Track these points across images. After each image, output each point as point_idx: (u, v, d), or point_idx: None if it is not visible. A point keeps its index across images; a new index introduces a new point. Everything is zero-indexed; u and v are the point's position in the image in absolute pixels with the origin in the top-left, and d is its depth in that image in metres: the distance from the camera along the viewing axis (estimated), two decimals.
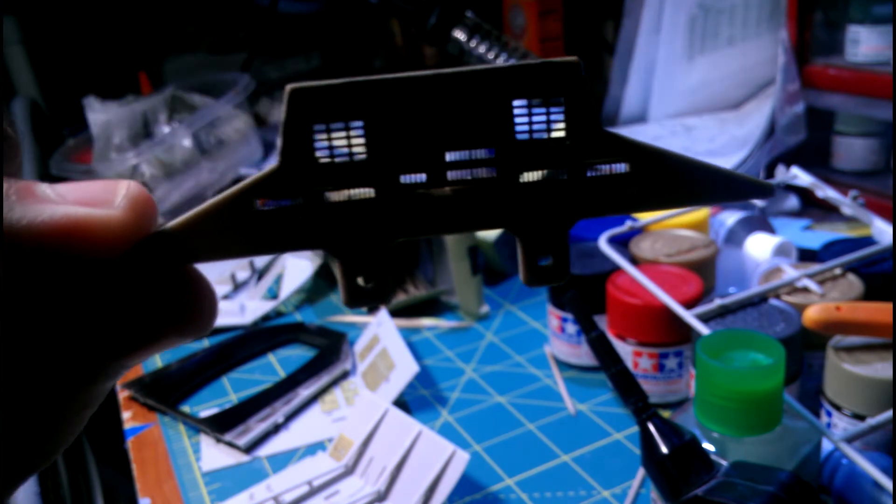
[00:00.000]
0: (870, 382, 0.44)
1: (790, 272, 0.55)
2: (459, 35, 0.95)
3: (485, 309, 0.72)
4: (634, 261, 0.61)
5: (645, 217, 0.65)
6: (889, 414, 0.43)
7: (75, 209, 0.15)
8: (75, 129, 1.07)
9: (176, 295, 0.17)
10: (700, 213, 0.66)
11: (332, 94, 0.17)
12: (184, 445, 0.58)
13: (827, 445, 0.44)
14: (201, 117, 0.97)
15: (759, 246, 0.64)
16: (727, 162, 0.88)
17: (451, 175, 0.17)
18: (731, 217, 0.70)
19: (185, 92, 1.04)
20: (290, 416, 0.59)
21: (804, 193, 0.85)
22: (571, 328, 0.61)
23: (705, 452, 0.39)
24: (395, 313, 0.71)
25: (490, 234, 0.76)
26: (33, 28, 1.22)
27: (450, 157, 0.17)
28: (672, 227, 0.65)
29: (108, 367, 0.17)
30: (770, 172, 0.86)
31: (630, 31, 1.00)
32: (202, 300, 0.17)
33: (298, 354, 0.69)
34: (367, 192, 0.17)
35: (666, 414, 0.43)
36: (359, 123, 0.17)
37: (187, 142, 0.96)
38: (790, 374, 0.48)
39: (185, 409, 0.62)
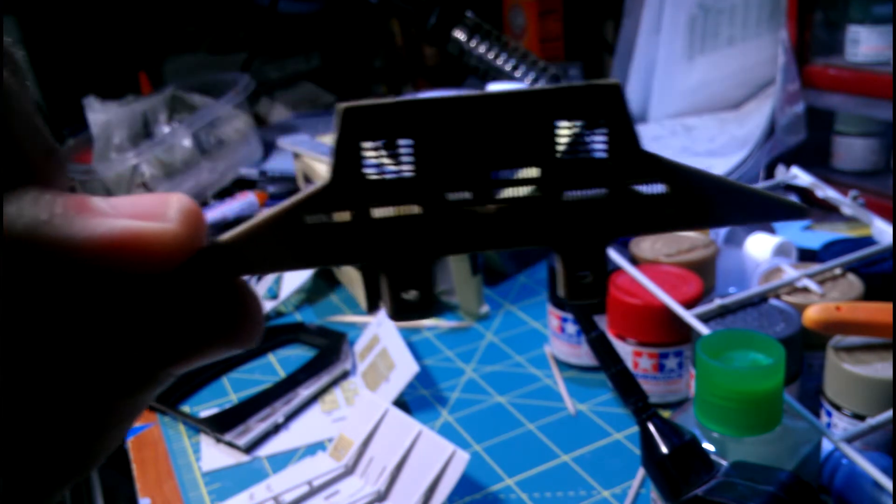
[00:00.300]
0: (870, 382, 0.44)
1: (790, 272, 0.55)
2: (459, 35, 0.95)
3: (485, 309, 0.72)
4: (634, 261, 0.61)
5: None
6: (889, 414, 0.43)
7: (132, 223, 0.16)
8: (75, 129, 1.07)
9: (226, 306, 0.17)
10: None
11: (383, 114, 0.17)
12: (184, 445, 0.58)
13: (827, 445, 0.43)
14: (201, 117, 0.97)
15: (759, 246, 0.64)
16: (727, 162, 0.88)
17: (495, 193, 0.18)
18: None
19: (185, 92, 1.04)
20: (290, 416, 0.59)
21: (804, 193, 0.85)
22: (571, 328, 0.61)
23: (705, 452, 0.39)
24: None
25: None
26: (33, 28, 1.22)
27: (494, 175, 0.18)
28: None
29: (157, 375, 0.17)
30: (770, 172, 0.87)
31: (630, 31, 1.00)
32: (250, 312, 0.18)
33: (298, 354, 0.69)
34: (413, 208, 0.18)
35: (666, 414, 0.43)
36: (408, 142, 0.17)
37: (187, 142, 0.96)
38: (790, 374, 0.48)
39: (185, 409, 0.62)
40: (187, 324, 0.17)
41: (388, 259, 0.18)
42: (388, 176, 0.17)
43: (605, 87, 0.17)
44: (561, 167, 0.18)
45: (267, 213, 0.17)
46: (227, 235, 0.17)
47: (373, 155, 0.17)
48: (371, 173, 0.17)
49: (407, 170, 0.17)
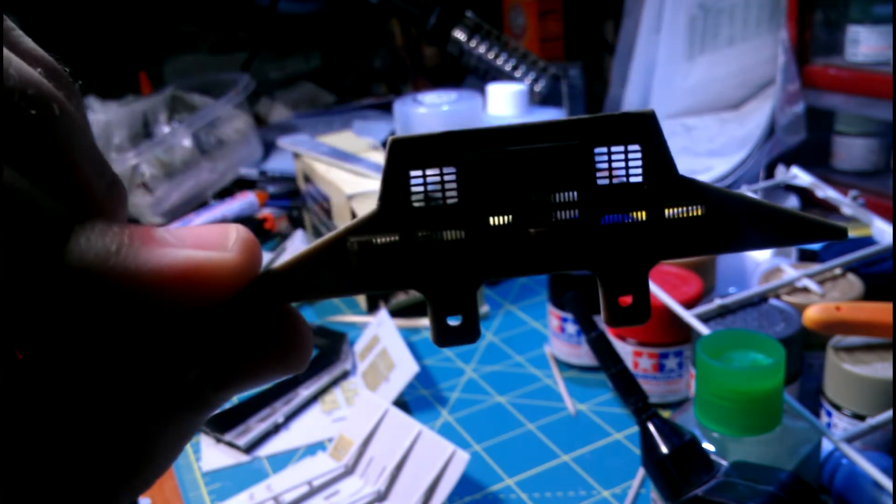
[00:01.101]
0: (870, 382, 0.44)
1: (790, 272, 0.55)
2: (459, 35, 0.95)
3: (485, 309, 0.72)
4: None
5: None
6: (889, 414, 0.43)
7: (196, 253, 0.16)
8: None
9: (277, 332, 0.18)
10: None
11: (429, 144, 0.18)
12: None
13: (827, 445, 0.43)
14: (201, 117, 0.97)
15: None
16: (727, 162, 0.88)
17: (536, 218, 0.19)
18: None
19: (185, 92, 1.04)
20: (290, 416, 0.59)
21: (804, 193, 0.85)
22: (571, 328, 0.61)
23: (705, 452, 0.39)
24: (395, 313, 0.71)
25: None
26: (33, 28, 1.22)
27: (535, 200, 0.19)
28: None
29: (211, 398, 0.18)
30: (770, 172, 0.87)
31: (630, 31, 1.00)
32: (300, 337, 0.18)
33: None
34: (457, 233, 0.18)
35: (666, 414, 0.43)
36: (451, 170, 0.18)
37: (187, 142, 0.96)
38: (790, 374, 0.48)
39: None
40: (240, 348, 0.18)
41: (433, 284, 0.19)
42: (433, 203, 0.18)
43: (641, 115, 0.18)
44: (600, 193, 0.19)
45: (317, 242, 0.18)
46: (278, 264, 0.18)
47: (419, 183, 0.18)
48: (417, 201, 0.18)
49: (451, 196, 0.18)
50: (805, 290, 0.53)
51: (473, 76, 1.04)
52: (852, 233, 0.76)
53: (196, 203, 0.96)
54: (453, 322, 0.19)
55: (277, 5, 1.28)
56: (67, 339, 0.15)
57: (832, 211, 0.79)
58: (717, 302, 0.51)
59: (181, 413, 0.17)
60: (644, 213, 0.19)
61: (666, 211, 0.19)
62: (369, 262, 0.18)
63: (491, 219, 0.18)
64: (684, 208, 0.19)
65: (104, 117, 0.97)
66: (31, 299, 0.14)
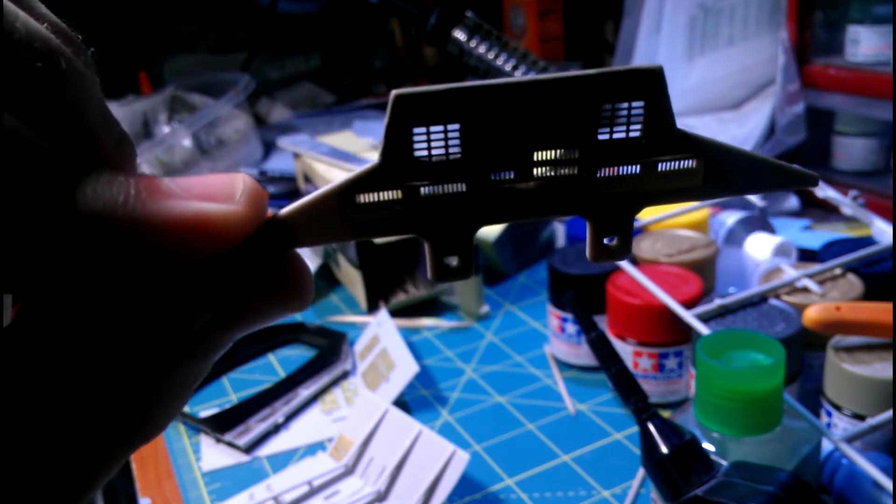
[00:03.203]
0: (870, 382, 0.44)
1: (790, 272, 0.55)
2: (459, 35, 0.95)
3: (485, 309, 0.72)
4: (634, 261, 0.61)
5: (645, 217, 0.65)
6: (889, 414, 0.43)
7: (203, 204, 0.17)
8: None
9: (281, 274, 0.19)
10: (700, 213, 0.66)
11: (433, 100, 0.18)
12: (184, 445, 0.58)
13: (827, 445, 0.44)
14: (201, 117, 0.97)
15: (759, 246, 0.64)
16: None
17: (536, 171, 0.19)
18: (731, 217, 0.70)
19: (185, 92, 1.04)
20: (290, 416, 0.59)
21: (804, 193, 0.85)
22: (571, 328, 0.61)
23: (705, 452, 0.39)
24: (395, 313, 0.71)
25: (490, 234, 0.76)
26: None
27: (537, 156, 0.19)
28: (672, 227, 0.65)
29: (216, 337, 0.18)
30: None
31: (630, 31, 1.00)
32: (302, 278, 0.19)
33: (298, 354, 0.69)
34: (459, 186, 0.19)
35: (666, 414, 0.43)
36: (455, 126, 0.18)
37: (187, 142, 0.96)
38: (790, 374, 0.48)
39: (185, 409, 0.62)
40: (246, 290, 0.18)
41: (432, 231, 0.19)
42: (436, 158, 0.18)
43: (649, 72, 0.18)
44: (599, 147, 0.19)
45: (321, 190, 0.19)
46: (284, 211, 0.19)
47: (423, 139, 0.18)
48: (420, 156, 0.18)
49: (454, 152, 0.19)
50: (805, 290, 0.53)
51: (473, 76, 1.04)
52: (852, 233, 0.76)
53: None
54: (450, 261, 0.20)
55: (277, 5, 1.28)
56: (75, 288, 0.16)
57: (832, 211, 0.79)
58: (717, 302, 0.51)
59: (188, 359, 0.18)
60: (639, 165, 0.19)
61: (659, 164, 0.19)
62: (370, 213, 0.19)
63: (492, 174, 0.19)
64: (678, 161, 0.19)
65: None
66: (36, 247, 0.15)
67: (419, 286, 0.75)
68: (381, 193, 0.18)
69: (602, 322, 0.59)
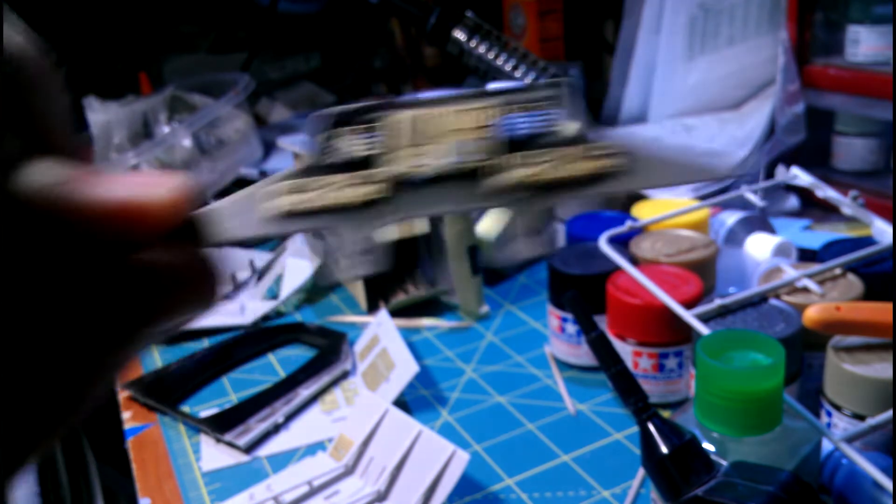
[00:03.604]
0: (870, 382, 0.44)
1: (790, 272, 0.55)
2: (459, 35, 0.95)
3: (485, 309, 0.72)
4: (634, 261, 0.61)
5: (645, 217, 0.65)
6: (889, 414, 0.43)
7: (133, 189, 0.18)
8: (75, 130, 1.07)
9: (200, 270, 0.20)
10: (700, 213, 0.66)
11: (345, 116, 0.21)
12: (184, 445, 0.58)
13: (827, 445, 0.43)
14: (201, 117, 0.97)
15: (759, 246, 0.64)
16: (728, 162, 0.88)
17: (446, 173, 0.21)
18: (731, 217, 0.70)
19: (185, 92, 1.04)
20: (290, 416, 0.59)
21: (804, 193, 0.85)
22: (571, 328, 0.61)
23: (705, 452, 0.39)
24: (395, 313, 0.71)
25: (490, 234, 0.76)
26: (33, 28, 1.22)
27: (449, 159, 0.21)
28: (672, 227, 0.65)
29: (141, 332, 0.19)
30: (770, 172, 0.86)
31: (630, 31, 1.00)
32: (214, 276, 0.20)
33: (298, 354, 0.69)
34: (369, 188, 0.21)
35: (666, 414, 0.43)
36: (366, 135, 0.21)
37: (187, 142, 0.96)
38: (790, 374, 0.48)
39: (185, 409, 0.62)
40: (166, 283, 0.19)
41: (344, 227, 0.21)
42: (349, 158, 0.21)
43: (557, 84, 0.21)
44: (513, 147, 0.21)
45: (244, 190, 0.21)
46: (207, 208, 0.20)
47: (335, 144, 0.21)
48: (334, 160, 0.21)
49: (365, 154, 0.21)
50: (805, 290, 0.53)
51: (473, 76, 1.04)
52: (852, 233, 0.76)
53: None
54: (363, 255, 0.22)
55: (277, 5, 1.28)
56: (8, 267, 0.16)
57: (832, 211, 0.79)
58: (717, 302, 0.51)
59: (113, 344, 0.18)
60: (550, 164, 0.21)
61: (573, 164, 0.21)
62: (286, 212, 0.20)
63: (401, 175, 0.21)
64: (591, 160, 0.21)
65: (104, 117, 0.97)
66: None
67: (419, 286, 0.75)
68: (297, 193, 0.20)
69: (602, 322, 0.59)
